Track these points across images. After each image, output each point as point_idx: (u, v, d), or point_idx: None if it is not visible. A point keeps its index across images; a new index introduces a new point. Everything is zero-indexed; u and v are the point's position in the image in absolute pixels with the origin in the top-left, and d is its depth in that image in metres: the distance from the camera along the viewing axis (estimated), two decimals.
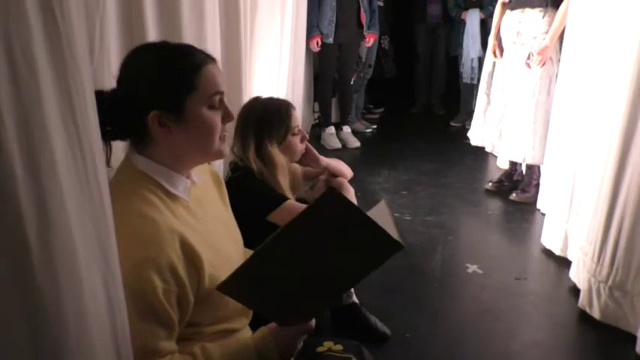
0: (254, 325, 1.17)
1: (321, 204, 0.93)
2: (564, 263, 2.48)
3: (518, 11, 3.10)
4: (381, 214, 1.12)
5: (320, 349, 1.27)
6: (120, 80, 1.03)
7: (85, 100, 0.70)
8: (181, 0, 1.79)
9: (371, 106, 5.51)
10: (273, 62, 2.99)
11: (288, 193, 1.70)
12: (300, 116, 3.74)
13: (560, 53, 2.99)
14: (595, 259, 2.00)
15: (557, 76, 3.03)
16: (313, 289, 1.03)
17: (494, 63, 3.34)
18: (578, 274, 2.17)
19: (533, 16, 3.04)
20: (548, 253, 2.64)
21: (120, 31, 1.62)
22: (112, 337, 0.78)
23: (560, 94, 2.90)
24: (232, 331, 1.14)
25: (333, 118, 4.53)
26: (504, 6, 3.24)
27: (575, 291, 2.21)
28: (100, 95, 0.98)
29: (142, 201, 0.98)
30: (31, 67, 0.60)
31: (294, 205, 1.62)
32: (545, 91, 3.08)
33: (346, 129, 4.45)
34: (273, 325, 1.07)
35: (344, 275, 1.05)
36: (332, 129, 4.35)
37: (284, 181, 1.69)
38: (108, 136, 1.01)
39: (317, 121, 4.67)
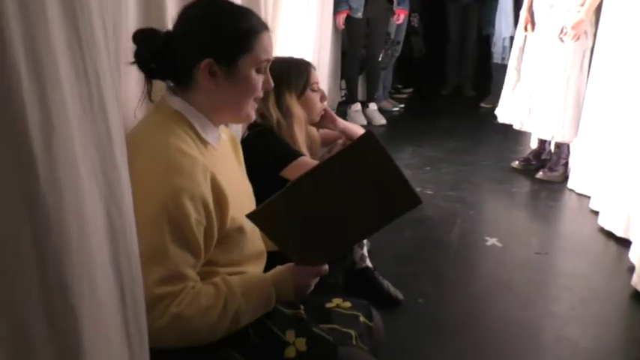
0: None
1: (358, 144, 0.97)
2: (591, 239, 2.43)
3: None
4: None
5: (328, 304, 1.29)
6: (181, 22, 1.09)
7: (92, 21, 0.71)
8: None
9: (400, 86, 5.45)
10: (297, 37, 2.97)
11: (304, 150, 1.71)
12: (325, 91, 3.70)
13: (596, 27, 2.89)
14: None
15: (591, 50, 2.94)
16: (333, 231, 1.07)
17: (525, 37, 3.25)
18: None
19: None
20: (572, 230, 2.59)
21: None
22: (113, 270, 0.78)
23: (597, 69, 2.81)
24: None
25: (360, 96, 4.50)
26: None
27: (595, 265, 2.16)
28: (153, 34, 1.06)
29: (179, 138, 1.04)
30: None
31: (308, 162, 1.62)
32: (578, 66, 2.98)
33: (372, 106, 4.42)
34: (289, 264, 1.12)
35: (363, 223, 1.08)
36: (358, 106, 4.33)
37: (300, 136, 1.71)
38: (151, 74, 1.09)
39: (344, 98, 4.66)
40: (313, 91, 1.76)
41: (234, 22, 1.08)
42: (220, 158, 1.14)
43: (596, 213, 2.64)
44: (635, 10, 2.46)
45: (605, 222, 2.49)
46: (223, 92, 1.08)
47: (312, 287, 1.14)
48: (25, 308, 0.64)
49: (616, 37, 2.64)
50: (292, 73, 1.72)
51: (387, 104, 4.80)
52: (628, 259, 2.17)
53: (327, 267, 1.14)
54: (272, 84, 1.15)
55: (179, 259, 0.97)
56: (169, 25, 1.17)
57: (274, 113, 1.67)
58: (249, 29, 1.08)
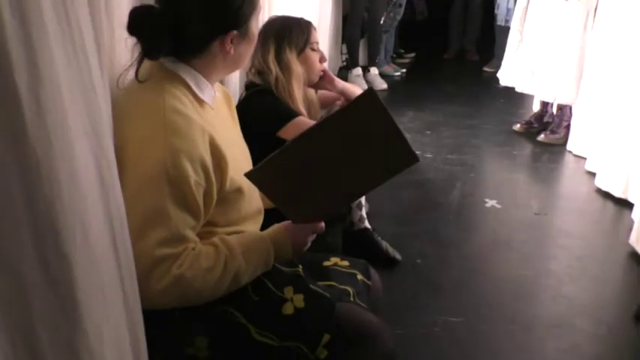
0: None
1: (360, 101, 0.96)
2: (589, 200, 2.43)
3: None
4: None
5: (326, 263, 1.29)
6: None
7: None
8: None
9: (402, 50, 5.37)
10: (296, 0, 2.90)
11: (302, 107, 1.70)
12: (326, 55, 3.63)
13: None
14: None
15: (595, 10, 2.88)
16: (331, 188, 1.07)
17: None
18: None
19: None
20: (571, 191, 2.60)
21: None
22: (105, 218, 0.78)
23: (599, 29, 2.75)
24: None
25: (361, 61, 4.44)
26: None
27: (593, 225, 2.17)
28: (148, 11, 1.00)
29: (175, 98, 1.01)
30: None
31: (306, 121, 1.62)
32: (582, 26, 2.92)
33: (373, 70, 4.36)
34: (287, 222, 1.12)
35: (360, 180, 1.08)
36: (359, 70, 4.27)
37: (298, 93, 1.70)
38: (146, 53, 1.01)
39: (345, 63, 4.60)
40: (313, 50, 1.75)
41: None
42: (217, 117, 1.12)
43: (592, 174, 2.63)
44: None
45: (602, 183, 2.49)
46: (238, 54, 1.09)
47: (309, 244, 1.15)
48: (18, 256, 0.64)
49: None
50: (294, 29, 1.71)
51: (388, 69, 4.74)
52: (629, 219, 2.18)
53: (323, 224, 1.14)
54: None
55: (179, 220, 0.97)
56: None
57: (274, 68, 1.67)
58: None
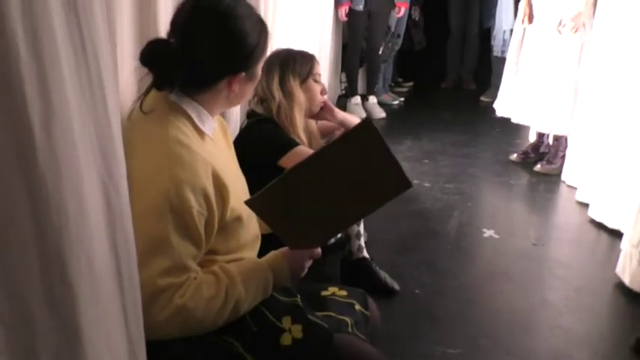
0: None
1: (358, 131, 1.00)
2: (584, 231, 2.44)
3: None
4: None
5: (324, 293, 1.30)
6: (202, 37, 1.05)
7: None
8: None
9: (400, 79, 5.45)
10: (298, 30, 2.97)
11: (302, 135, 1.74)
12: (326, 84, 3.66)
13: (594, 18, 2.89)
14: (632, 225, 1.98)
15: (589, 43, 2.95)
16: (328, 214, 1.10)
17: (524, 30, 3.26)
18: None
19: None
20: (567, 222, 2.61)
21: None
22: (110, 249, 0.79)
23: (593, 61, 2.81)
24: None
25: (360, 90, 4.50)
26: None
27: (590, 256, 2.18)
28: (165, 45, 1.04)
29: (177, 130, 1.04)
30: None
31: (305, 151, 1.65)
32: (576, 58, 2.98)
33: (372, 99, 4.42)
34: (284, 248, 1.15)
35: (356, 206, 1.12)
36: (358, 99, 4.33)
37: (300, 120, 1.75)
38: (157, 85, 1.05)
39: (344, 91, 4.66)
40: (315, 81, 1.81)
41: (260, 30, 1.10)
42: (216, 148, 1.15)
43: (583, 204, 2.65)
44: (630, 3, 2.47)
45: (595, 214, 2.51)
46: (242, 92, 1.13)
47: (306, 270, 1.17)
48: (25, 284, 0.65)
49: (611, 30, 2.63)
50: (297, 60, 1.78)
51: (386, 97, 4.80)
52: (620, 250, 2.19)
53: (319, 250, 1.17)
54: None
55: (182, 250, 0.98)
56: (161, 18, 1.16)
57: (277, 94, 1.72)
58: (265, 36, 1.13)
